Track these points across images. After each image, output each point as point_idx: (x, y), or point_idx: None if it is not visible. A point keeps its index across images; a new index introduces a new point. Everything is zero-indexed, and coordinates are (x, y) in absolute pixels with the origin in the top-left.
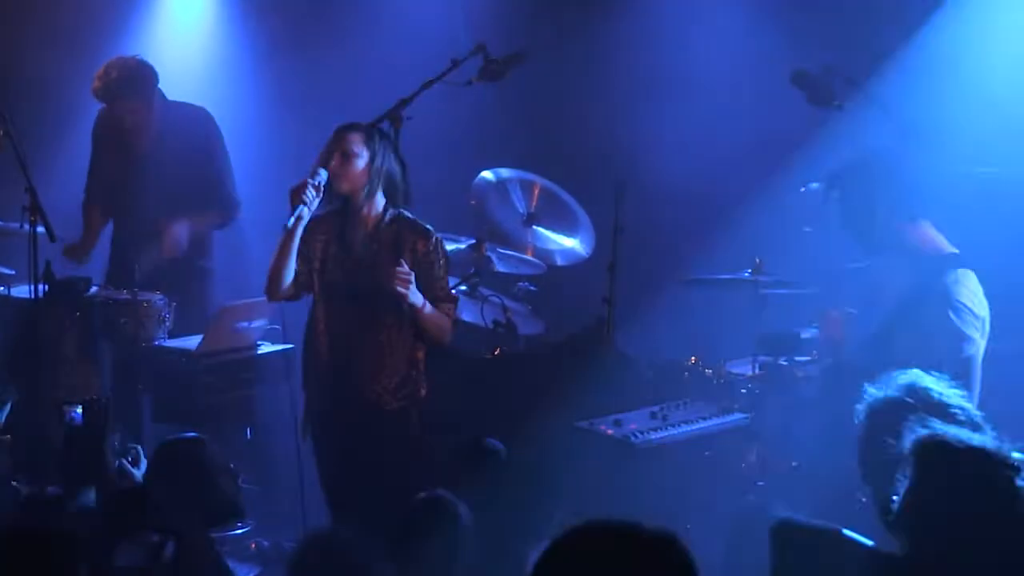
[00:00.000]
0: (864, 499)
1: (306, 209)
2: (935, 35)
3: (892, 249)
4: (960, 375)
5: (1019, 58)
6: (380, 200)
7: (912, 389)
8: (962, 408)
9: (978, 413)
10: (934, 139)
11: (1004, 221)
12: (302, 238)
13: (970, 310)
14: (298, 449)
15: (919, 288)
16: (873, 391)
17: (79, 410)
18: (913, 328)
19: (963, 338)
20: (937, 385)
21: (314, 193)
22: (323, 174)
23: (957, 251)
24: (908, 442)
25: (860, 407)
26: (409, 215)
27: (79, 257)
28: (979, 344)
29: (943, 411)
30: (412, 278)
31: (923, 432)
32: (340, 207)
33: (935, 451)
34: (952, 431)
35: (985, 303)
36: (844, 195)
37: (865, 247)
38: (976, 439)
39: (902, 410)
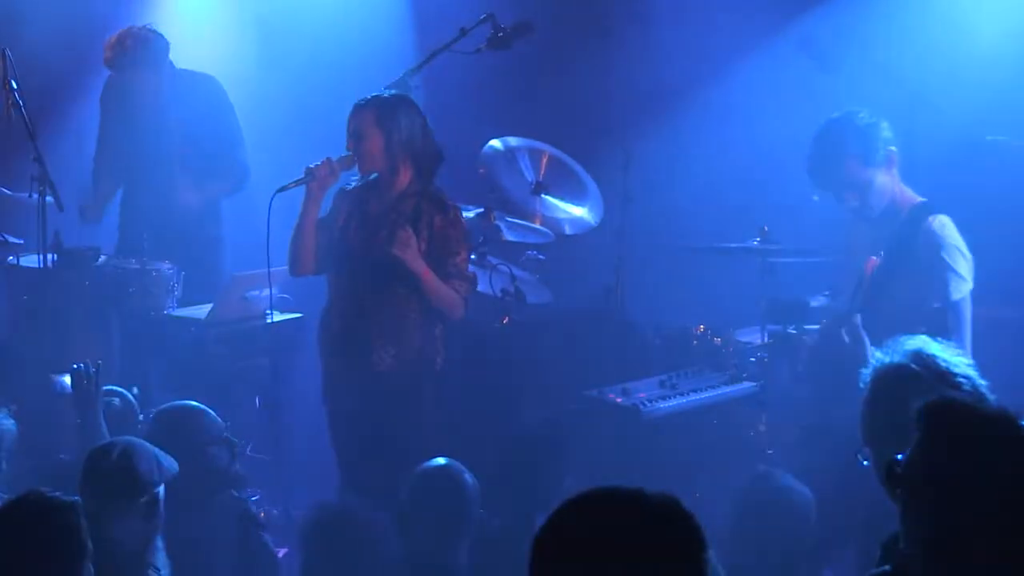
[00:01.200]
0: (865, 462)
1: (316, 184)
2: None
3: (862, 191)
4: (956, 318)
5: None
6: (407, 172)
7: (918, 356)
8: (967, 377)
9: (983, 382)
10: (942, 107)
11: (1013, 188)
12: (329, 208)
13: (960, 251)
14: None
15: (906, 234)
16: (879, 355)
17: (66, 379)
18: (907, 275)
19: (958, 279)
20: (943, 352)
21: (327, 170)
22: (344, 158)
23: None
24: (914, 407)
25: (866, 371)
26: (434, 190)
27: (92, 214)
28: (970, 285)
29: (949, 379)
30: (413, 243)
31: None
32: (366, 181)
33: (942, 414)
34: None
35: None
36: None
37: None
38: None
39: (907, 377)
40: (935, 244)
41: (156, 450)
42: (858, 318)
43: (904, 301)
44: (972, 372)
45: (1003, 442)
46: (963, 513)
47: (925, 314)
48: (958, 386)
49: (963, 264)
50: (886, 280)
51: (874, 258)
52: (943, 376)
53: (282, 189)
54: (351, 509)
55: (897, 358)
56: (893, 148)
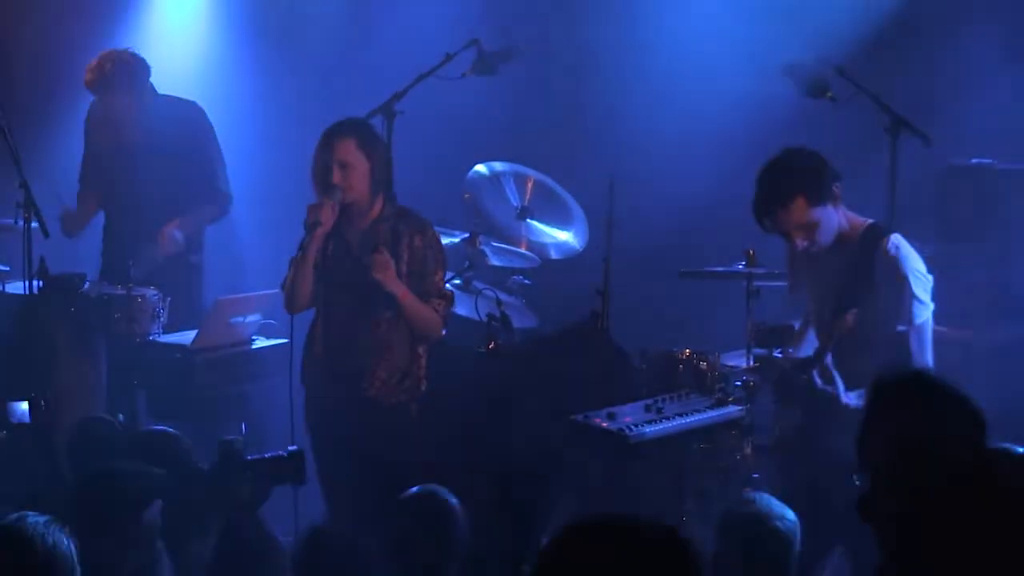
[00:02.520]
0: (859, 483)
1: (321, 229)
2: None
3: (811, 230)
4: (919, 341)
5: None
6: (380, 196)
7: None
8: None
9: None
10: (927, 130)
11: (999, 212)
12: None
13: (918, 272)
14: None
15: (861, 262)
16: (826, 390)
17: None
18: (867, 302)
19: (918, 302)
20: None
21: (330, 213)
22: (339, 193)
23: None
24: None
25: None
26: (408, 209)
27: (72, 226)
28: (931, 307)
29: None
30: (391, 265)
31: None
32: (344, 207)
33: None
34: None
35: None
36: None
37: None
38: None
39: (896, 400)
40: (892, 268)
41: (147, 468)
42: (828, 358)
43: (866, 328)
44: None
45: (969, 477)
46: (928, 551)
47: (888, 339)
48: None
49: (922, 286)
50: (845, 308)
51: (849, 316)
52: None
53: (303, 249)
54: (340, 535)
55: (892, 378)
56: (838, 184)
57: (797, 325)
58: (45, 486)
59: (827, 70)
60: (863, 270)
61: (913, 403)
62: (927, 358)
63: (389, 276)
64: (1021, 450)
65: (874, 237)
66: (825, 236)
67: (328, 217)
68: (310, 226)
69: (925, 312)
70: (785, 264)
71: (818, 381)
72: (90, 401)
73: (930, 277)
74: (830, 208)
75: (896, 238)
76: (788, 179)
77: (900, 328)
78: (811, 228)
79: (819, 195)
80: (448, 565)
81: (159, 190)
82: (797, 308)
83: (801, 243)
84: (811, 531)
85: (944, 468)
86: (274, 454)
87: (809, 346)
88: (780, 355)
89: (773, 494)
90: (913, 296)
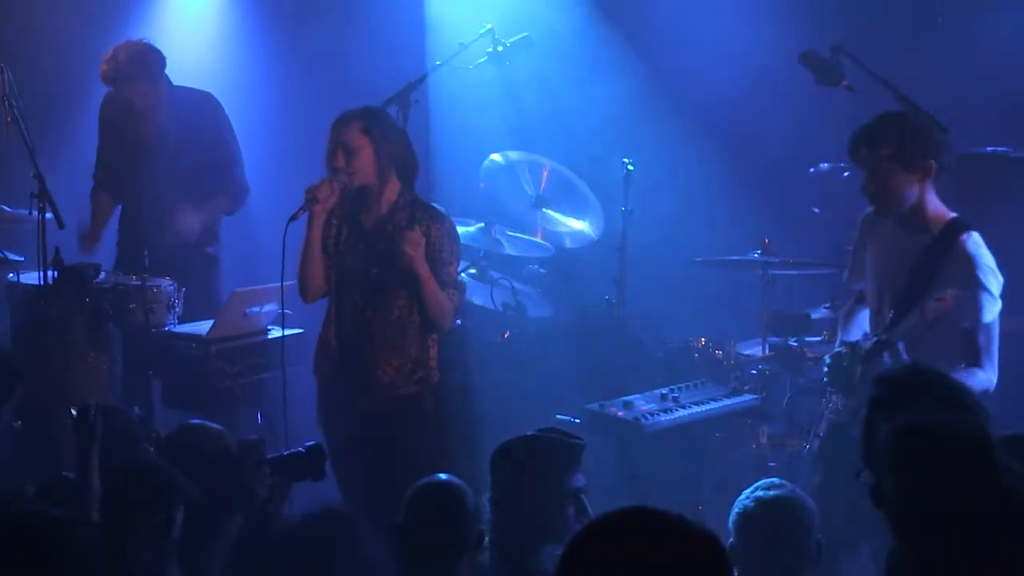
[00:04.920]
0: (864, 480)
1: (319, 206)
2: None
3: (882, 181)
4: (987, 339)
5: None
6: (395, 184)
7: (914, 371)
8: (964, 392)
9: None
10: (942, 117)
11: (1014, 200)
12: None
13: (992, 270)
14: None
15: (938, 251)
16: (877, 373)
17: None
18: (939, 293)
19: (991, 299)
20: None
21: (328, 190)
22: (343, 176)
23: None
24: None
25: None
26: (424, 199)
27: (89, 245)
28: (1000, 306)
29: (943, 395)
30: (423, 243)
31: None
32: (356, 192)
33: (913, 443)
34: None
35: None
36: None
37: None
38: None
39: (896, 392)
40: (970, 263)
41: (174, 471)
42: (901, 346)
43: (937, 319)
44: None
45: (973, 472)
46: (938, 541)
47: (956, 334)
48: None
49: (995, 284)
50: (914, 296)
51: (945, 298)
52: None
53: (293, 218)
54: (349, 525)
55: (892, 374)
56: (932, 161)
57: (813, 314)
58: (58, 475)
59: (842, 58)
60: (938, 260)
61: (914, 398)
62: (993, 355)
63: (419, 254)
64: None
65: (955, 231)
66: (894, 200)
67: (326, 195)
68: (308, 203)
69: (994, 310)
70: (852, 247)
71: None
72: (104, 392)
73: (1000, 277)
74: (914, 179)
75: (976, 236)
76: (891, 125)
77: (968, 325)
78: (885, 181)
79: (904, 155)
80: (461, 559)
81: (174, 180)
82: (814, 296)
83: (869, 188)
84: (844, 521)
85: (949, 460)
86: (293, 451)
87: (858, 329)
88: (796, 343)
89: (792, 482)
90: (987, 291)
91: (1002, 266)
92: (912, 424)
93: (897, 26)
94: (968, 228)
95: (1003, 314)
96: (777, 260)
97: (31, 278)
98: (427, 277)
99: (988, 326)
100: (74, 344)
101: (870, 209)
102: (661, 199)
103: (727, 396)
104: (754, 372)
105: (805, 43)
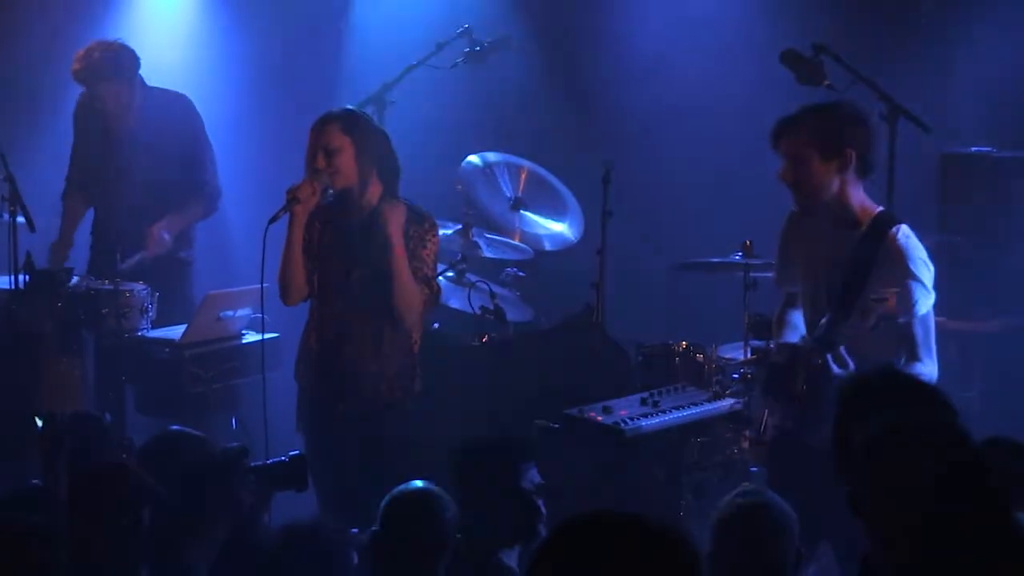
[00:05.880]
0: (840, 484)
1: (301, 206)
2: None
3: (798, 169)
4: (924, 331)
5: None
6: (376, 186)
7: (880, 373)
8: (935, 390)
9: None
10: (924, 118)
11: (998, 200)
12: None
13: (924, 262)
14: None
15: (869, 246)
16: (841, 376)
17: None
18: (873, 289)
19: (925, 291)
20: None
21: (309, 191)
22: (324, 177)
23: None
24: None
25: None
26: (407, 201)
27: (60, 255)
28: (933, 297)
29: (914, 395)
30: (404, 218)
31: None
32: (337, 194)
33: (888, 443)
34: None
35: None
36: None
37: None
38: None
39: (869, 395)
40: (902, 257)
41: (140, 472)
42: (843, 349)
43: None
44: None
45: (952, 470)
46: (921, 543)
47: (893, 330)
48: (925, 400)
49: (928, 276)
50: (850, 295)
51: (890, 296)
52: (907, 392)
53: (274, 219)
54: (322, 535)
55: (857, 377)
56: (851, 150)
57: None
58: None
59: (824, 58)
60: (870, 254)
61: (886, 401)
62: (931, 347)
63: (396, 229)
64: None
65: (883, 224)
66: (811, 190)
67: (307, 195)
68: (288, 203)
69: (929, 302)
70: (777, 249)
71: (834, 367)
72: (76, 398)
73: (932, 267)
74: (831, 167)
75: (905, 228)
76: (810, 113)
77: (903, 319)
78: (800, 168)
79: (820, 142)
80: (437, 563)
81: (148, 183)
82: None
83: (786, 176)
84: (804, 525)
85: (925, 460)
86: (276, 460)
87: (793, 332)
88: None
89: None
90: (920, 284)
91: (988, 267)
92: (890, 426)
93: (880, 24)
94: (897, 221)
95: (990, 315)
96: (759, 262)
97: (2, 282)
98: (400, 252)
99: (924, 318)
100: (45, 350)
101: (794, 209)
102: (641, 200)
103: (708, 400)
104: (736, 376)
105: (787, 41)
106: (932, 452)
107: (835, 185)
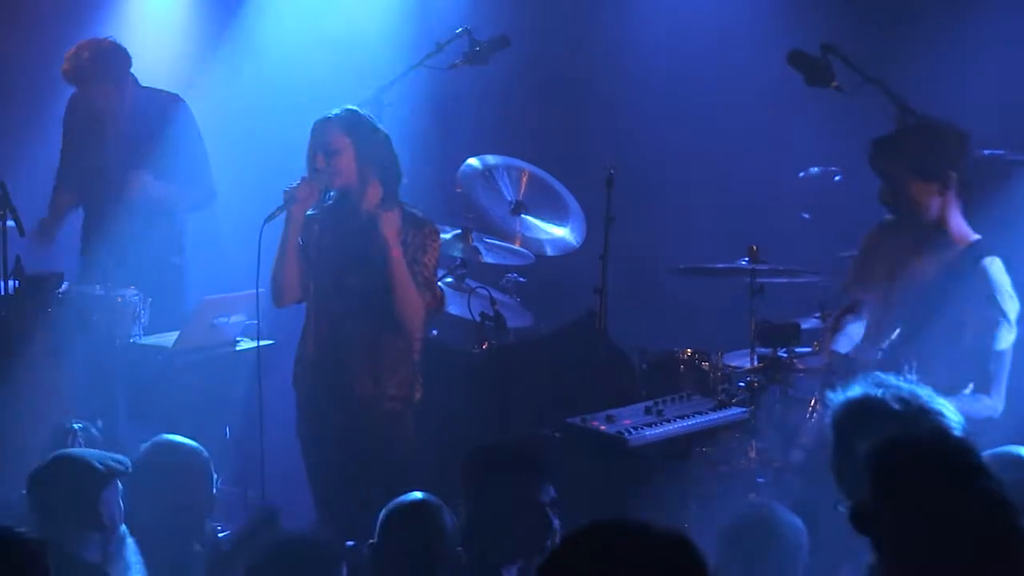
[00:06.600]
0: (843, 509)
1: (298, 206)
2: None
3: (896, 191)
4: (998, 366)
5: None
6: (376, 188)
7: (877, 385)
8: (929, 400)
9: (956, 415)
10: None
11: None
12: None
13: (1011, 296)
14: (262, 451)
15: (957, 272)
16: (835, 395)
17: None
18: (954, 315)
19: (1008, 325)
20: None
21: (307, 191)
22: (324, 178)
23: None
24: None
25: (827, 412)
26: (409, 206)
27: (44, 238)
28: (1015, 332)
29: (913, 406)
30: (399, 225)
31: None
32: (338, 198)
33: (890, 461)
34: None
35: None
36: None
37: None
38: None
39: (867, 409)
40: (990, 288)
41: (97, 453)
42: (911, 365)
43: (947, 342)
44: (935, 397)
45: (952, 487)
46: (919, 563)
47: (968, 358)
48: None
49: (1013, 310)
50: (929, 317)
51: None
52: (906, 402)
53: (270, 218)
54: (309, 547)
55: (853, 392)
56: (953, 173)
57: (804, 324)
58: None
59: (832, 58)
60: (957, 280)
61: (879, 427)
62: (1001, 383)
63: (393, 234)
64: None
65: (978, 253)
66: (913, 208)
67: (305, 195)
68: (285, 203)
69: (1009, 337)
70: (857, 252)
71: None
72: (66, 406)
73: (1018, 303)
74: (933, 189)
75: (999, 261)
76: (913, 135)
77: (980, 347)
78: (901, 190)
79: (925, 168)
80: (438, 572)
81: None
82: (804, 305)
83: (885, 197)
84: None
85: (938, 470)
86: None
87: (847, 341)
88: (785, 355)
89: (782, 498)
90: (1005, 318)
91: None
92: (894, 438)
93: (889, 25)
94: (992, 252)
95: None
96: (765, 268)
97: None
98: (398, 257)
99: (1000, 353)
100: (36, 355)
101: (888, 216)
102: (645, 205)
103: (714, 409)
104: (742, 384)
105: (794, 42)
106: (937, 462)
107: (935, 205)
